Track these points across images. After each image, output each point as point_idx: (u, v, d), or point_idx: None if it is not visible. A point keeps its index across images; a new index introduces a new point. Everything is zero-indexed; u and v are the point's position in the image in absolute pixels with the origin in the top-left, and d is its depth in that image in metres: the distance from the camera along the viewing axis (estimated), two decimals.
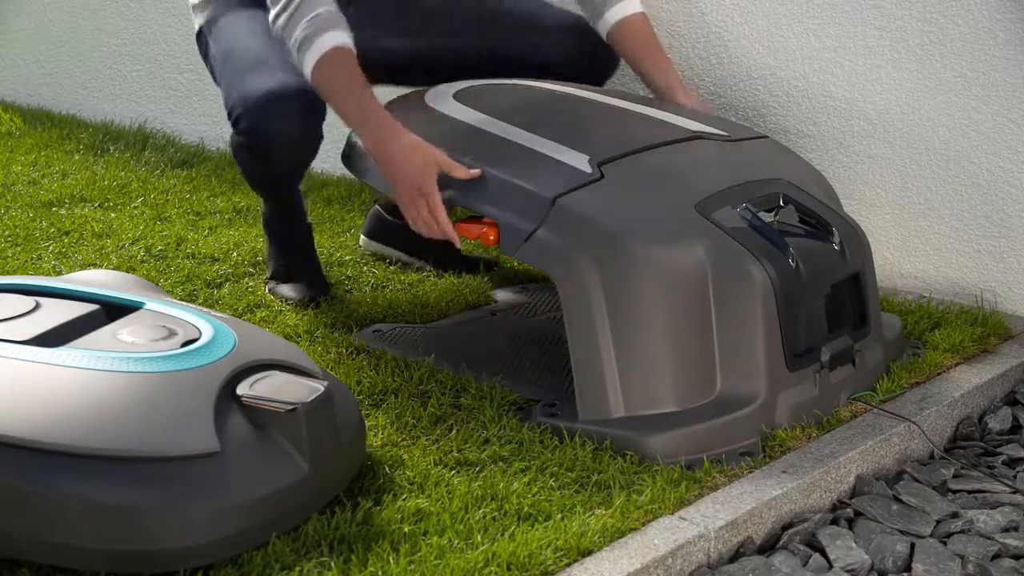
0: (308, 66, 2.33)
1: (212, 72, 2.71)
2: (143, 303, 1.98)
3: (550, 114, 2.46)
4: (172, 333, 1.87)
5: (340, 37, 2.32)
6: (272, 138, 2.46)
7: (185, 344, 1.84)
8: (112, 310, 1.96)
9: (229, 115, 2.52)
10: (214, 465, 1.66)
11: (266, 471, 1.71)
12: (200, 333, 1.88)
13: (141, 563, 1.62)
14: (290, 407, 1.74)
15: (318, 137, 2.52)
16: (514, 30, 2.74)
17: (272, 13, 2.38)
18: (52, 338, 1.83)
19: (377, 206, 3.00)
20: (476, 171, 2.22)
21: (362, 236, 3.04)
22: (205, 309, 2.02)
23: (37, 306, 1.91)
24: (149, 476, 1.63)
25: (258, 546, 1.70)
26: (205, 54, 2.73)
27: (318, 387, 1.80)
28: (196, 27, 2.74)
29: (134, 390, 1.72)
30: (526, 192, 2.17)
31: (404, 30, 2.35)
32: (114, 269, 2.84)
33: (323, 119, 2.49)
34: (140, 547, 1.61)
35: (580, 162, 2.23)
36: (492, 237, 2.18)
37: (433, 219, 2.25)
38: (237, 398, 1.76)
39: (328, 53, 2.31)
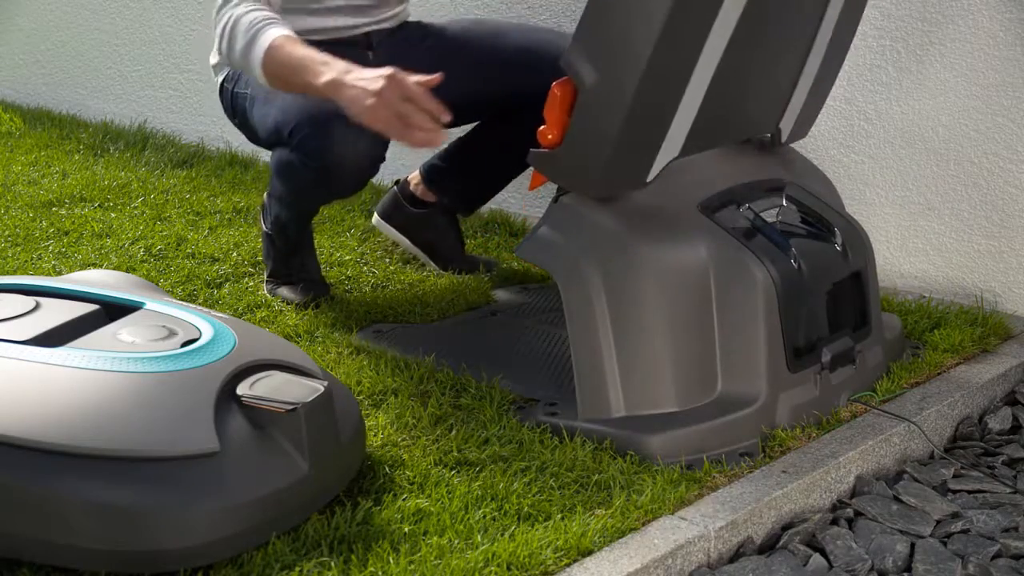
0: (257, 59, 2.29)
1: (246, 114, 2.64)
2: (143, 303, 1.98)
3: None
4: (172, 333, 1.87)
5: (282, 30, 2.30)
6: (340, 159, 2.40)
7: (185, 344, 1.84)
8: (112, 310, 1.96)
9: (284, 132, 2.46)
10: (214, 465, 1.66)
11: (266, 471, 1.71)
12: (200, 333, 1.88)
13: (142, 563, 1.62)
14: (290, 407, 1.75)
15: (381, 160, 2.47)
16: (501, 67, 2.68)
17: (215, 36, 2.37)
18: (52, 338, 1.83)
19: (396, 189, 2.98)
20: (437, 76, 2.14)
21: (376, 215, 3.02)
22: (205, 309, 2.02)
23: (37, 306, 1.91)
24: (149, 476, 1.63)
25: (258, 546, 1.70)
26: (232, 106, 2.68)
27: (318, 387, 1.80)
28: (218, 83, 2.72)
29: (134, 390, 1.72)
30: None
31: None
32: (114, 269, 2.83)
33: (387, 145, 2.43)
34: (141, 547, 1.61)
35: None
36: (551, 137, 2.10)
37: (423, 110, 2.12)
38: (237, 398, 1.76)
39: (275, 41, 2.28)
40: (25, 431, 1.62)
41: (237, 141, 4.23)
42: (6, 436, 1.62)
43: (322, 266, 2.88)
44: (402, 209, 2.97)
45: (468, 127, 2.84)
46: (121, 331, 1.87)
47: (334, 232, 3.20)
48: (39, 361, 1.75)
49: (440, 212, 2.95)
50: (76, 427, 1.64)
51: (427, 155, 2.95)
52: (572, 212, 2.16)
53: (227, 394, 1.76)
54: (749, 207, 2.24)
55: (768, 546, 1.94)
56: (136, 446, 1.64)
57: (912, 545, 1.94)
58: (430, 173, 2.92)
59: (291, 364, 1.88)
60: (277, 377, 1.81)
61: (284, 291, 2.74)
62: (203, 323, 1.92)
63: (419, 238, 2.96)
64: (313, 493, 1.78)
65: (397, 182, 3.02)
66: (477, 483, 1.92)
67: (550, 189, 2.31)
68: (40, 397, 1.68)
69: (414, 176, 2.96)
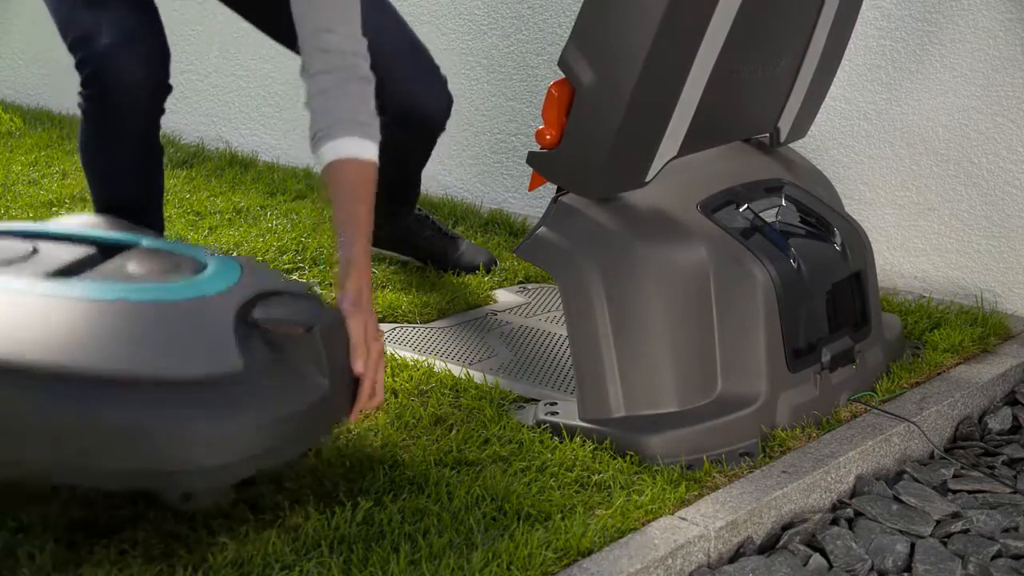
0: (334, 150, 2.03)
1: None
2: (140, 240, 2.00)
3: None
4: (178, 265, 1.90)
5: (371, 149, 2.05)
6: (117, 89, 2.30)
7: (194, 273, 1.87)
8: (109, 250, 1.98)
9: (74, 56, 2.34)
10: (239, 384, 1.69)
11: (289, 389, 1.74)
12: (206, 264, 1.90)
13: (172, 482, 1.66)
14: (308, 326, 1.78)
15: (167, 89, 2.38)
16: None
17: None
18: (64, 274, 1.85)
19: None
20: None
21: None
22: (200, 245, 2.04)
23: (35, 250, 1.93)
24: (177, 397, 1.65)
25: (283, 463, 1.75)
26: None
27: (330, 309, 1.86)
28: None
29: (155, 316, 1.74)
30: None
31: None
32: None
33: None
34: (172, 467, 1.63)
35: None
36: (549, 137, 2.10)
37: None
38: (252, 322, 1.79)
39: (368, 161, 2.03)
40: (56, 359, 1.63)
41: (237, 141, 4.23)
42: (39, 364, 1.63)
43: (322, 266, 2.88)
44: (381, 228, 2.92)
45: None
46: (127, 265, 1.88)
47: (334, 232, 3.19)
48: (59, 295, 1.76)
49: (412, 227, 2.96)
50: (105, 353, 1.66)
51: None
52: (572, 212, 2.16)
53: (243, 318, 1.78)
54: (748, 207, 2.24)
55: (768, 546, 1.94)
56: (163, 369, 1.66)
57: (912, 545, 1.94)
58: None
59: (296, 291, 1.91)
60: (288, 300, 1.84)
61: None
62: (205, 256, 1.95)
63: (407, 251, 2.98)
64: (333, 410, 1.83)
65: None
66: (477, 483, 1.92)
67: (550, 189, 2.31)
68: (67, 326, 1.70)
69: None
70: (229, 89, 4.26)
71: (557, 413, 2.15)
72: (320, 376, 1.78)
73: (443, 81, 2.72)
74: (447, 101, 2.73)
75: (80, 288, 1.78)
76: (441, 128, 2.76)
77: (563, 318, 2.13)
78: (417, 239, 2.97)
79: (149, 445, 1.62)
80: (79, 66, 2.41)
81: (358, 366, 1.88)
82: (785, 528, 1.97)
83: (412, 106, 2.65)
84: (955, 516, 2.03)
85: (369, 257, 2.03)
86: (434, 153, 2.91)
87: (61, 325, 1.70)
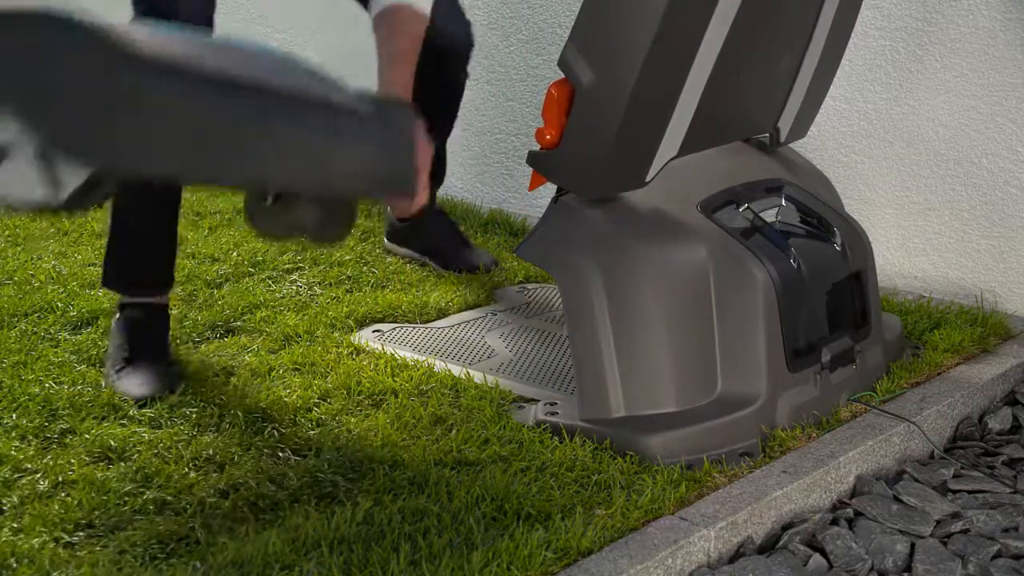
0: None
1: None
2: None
3: None
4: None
5: None
6: None
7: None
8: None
9: None
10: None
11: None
12: None
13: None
14: None
15: None
16: None
17: None
18: None
19: (389, 209, 3.09)
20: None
21: (384, 239, 3.13)
22: None
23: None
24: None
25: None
26: None
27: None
28: None
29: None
30: None
31: None
32: None
33: None
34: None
35: None
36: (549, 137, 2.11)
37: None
38: None
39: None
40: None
41: None
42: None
43: (322, 266, 2.88)
44: (392, 224, 3.07)
45: None
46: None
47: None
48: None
49: (426, 217, 3.00)
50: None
51: None
52: (572, 212, 2.16)
53: None
54: (748, 207, 2.24)
55: (768, 546, 1.94)
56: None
57: (912, 545, 1.94)
58: None
59: None
60: None
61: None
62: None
63: (416, 246, 3.04)
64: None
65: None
66: (477, 483, 1.92)
67: (550, 189, 2.31)
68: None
69: None
70: None
71: (557, 413, 2.15)
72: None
73: (468, 23, 2.86)
74: (471, 40, 2.86)
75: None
76: (465, 60, 2.85)
77: (563, 318, 2.12)
78: (439, 242, 3.01)
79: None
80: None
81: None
82: (785, 528, 1.97)
83: (439, 34, 2.64)
84: (955, 516, 2.03)
85: (411, 83, 2.11)
86: None
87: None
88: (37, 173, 1.66)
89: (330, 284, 2.83)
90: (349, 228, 1.84)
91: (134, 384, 2.23)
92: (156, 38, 1.73)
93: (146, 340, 2.35)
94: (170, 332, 2.41)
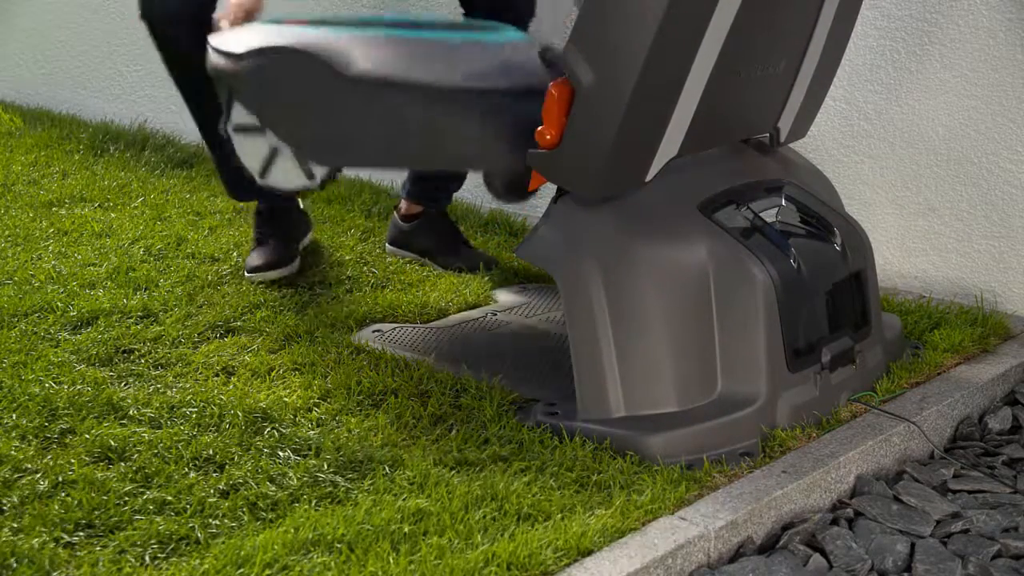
0: None
1: None
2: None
3: None
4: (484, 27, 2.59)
5: None
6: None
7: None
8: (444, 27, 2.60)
9: None
10: None
11: None
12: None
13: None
14: None
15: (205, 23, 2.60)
16: None
17: None
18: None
19: (395, 213, 3.10)
20: None
21: (386, 244, 3.13)
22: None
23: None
24: None
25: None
26: None
27: None
28: None
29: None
30: None
31: None
32: (114, 269, 2.84)
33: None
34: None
35: None
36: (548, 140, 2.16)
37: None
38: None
39: None
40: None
41: None
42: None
43: (322, 266, 2.88)
44: (398, 227, 3.09)
45: None
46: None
47: (334, 232, 3.20)
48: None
49: (430, 219, 3.05)
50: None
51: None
52: (572, 212, 2.16)
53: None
54: (748, 207, 2.24)
55: (768, 546, 1.94)
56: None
57: (912, 545, 1.94)
58: (406, 187, 3.08)
59: None
60: None
61: (252, 258, 2.89)
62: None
63: (416, 247, 3.05)
64: None
65: (396, 207, 3.14)
66: (477, 483, 1.92)
67: (550, 189, 2.32)
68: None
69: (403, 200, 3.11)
70: None
71: (557, 413, 2.15)
72: None
73: None
74: None
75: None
76: None
77: (563, 318, 2.12)
78: (440, 243, 3.04)
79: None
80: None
81: None
82: (785, 528, 1.97)
83: None
84: (955, 516, 2.03)
85: None
86: None
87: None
88: (298, 168, 2.34)
89: (330, 284, 2.83)
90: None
91: (255, 257, 2.86)
92: (368, 49, 2.20)
93: (272, 227, 2.94)
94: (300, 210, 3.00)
